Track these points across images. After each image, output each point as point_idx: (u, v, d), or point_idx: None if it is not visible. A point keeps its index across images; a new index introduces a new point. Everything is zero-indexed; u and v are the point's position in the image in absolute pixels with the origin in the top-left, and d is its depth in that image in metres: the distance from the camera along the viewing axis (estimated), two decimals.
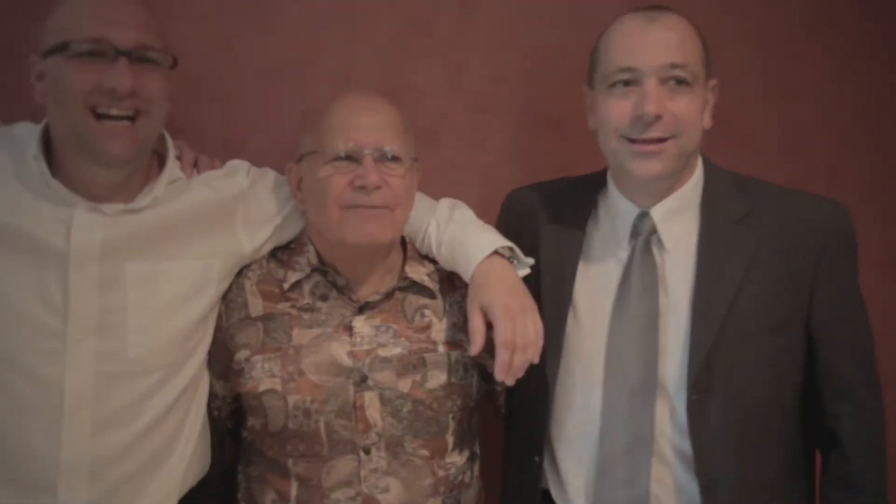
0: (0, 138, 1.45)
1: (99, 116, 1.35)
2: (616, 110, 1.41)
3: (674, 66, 1.39)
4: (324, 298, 1.54)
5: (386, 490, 1.49)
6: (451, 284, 1.60)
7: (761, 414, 1.41)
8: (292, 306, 1.54)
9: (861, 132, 1.98)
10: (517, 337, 1.40)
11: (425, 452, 1.52)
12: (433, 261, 1.61)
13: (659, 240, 1.47)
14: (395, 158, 1.48)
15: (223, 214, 1.54)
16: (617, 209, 1.51)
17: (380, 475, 1.49)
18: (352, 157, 1.47)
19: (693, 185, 1.48)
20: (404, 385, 1.50)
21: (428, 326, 1.56)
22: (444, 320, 1.57)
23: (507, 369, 1.40)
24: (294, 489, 1.50)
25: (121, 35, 1.35)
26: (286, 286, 1.54)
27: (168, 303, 1.46)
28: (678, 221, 1.47)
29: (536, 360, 1.41)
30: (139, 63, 1.36)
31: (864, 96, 1.98)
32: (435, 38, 1.87)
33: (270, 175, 1.65)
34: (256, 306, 1.55)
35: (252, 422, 1.53)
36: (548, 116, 1.90)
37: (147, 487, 1.44)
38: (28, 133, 1.45)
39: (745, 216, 1.44)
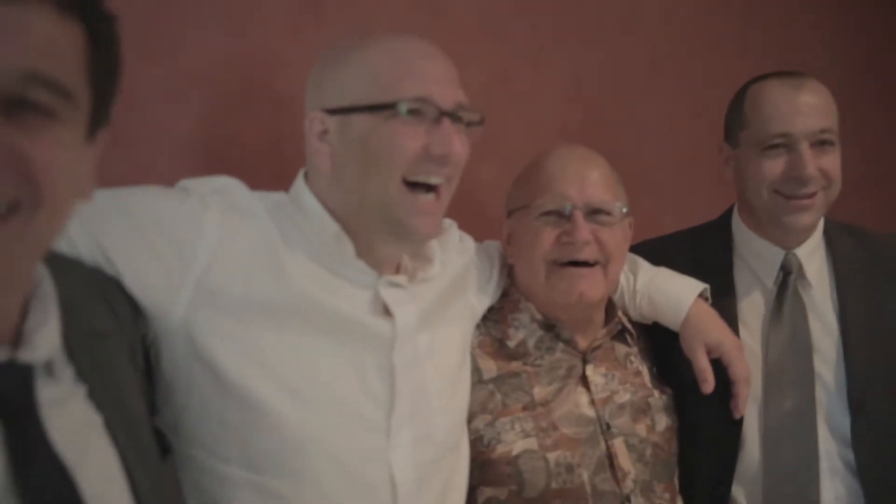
0: (266, 210, 1.25)
1: (410, 187, 1.23)
2: (771, 170, 1.59)
3: (823, 130, 1.57)
4: (550, 351, 1.53)
5: None
6: (635, 334, 1.64)
7: None
8: (525, 363, 1.51)
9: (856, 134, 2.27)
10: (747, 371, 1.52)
11: (667, 496, 1.52)
12: None
13: (804, 276, 1.65)
14: (605, 213, 1.49)
15: (465, 273, 1.50)
16: (757, 251, 1.69)
17: None
18: (560, 213, 1.47)
19: (820, 228, 1.70)
20: (641, 429, 1.52)
21: (638, 372, 1.59)
22: (645, 366, 1.61)
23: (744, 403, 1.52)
24: None
25: (444, 94, 1.23)
26: (511, 343, 1.52)
27: (452, 372, 1.38)
28: (815, 260, 1.67)
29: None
30: (454, 123, 1.25)
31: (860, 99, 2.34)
32: (513, 89, 2.04)
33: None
34: (489, 369, 1.50)
35: (494, 493, 1.44)
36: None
37: None
38: (270, 203, 1.26)
39: (865, 256, 1.67)
